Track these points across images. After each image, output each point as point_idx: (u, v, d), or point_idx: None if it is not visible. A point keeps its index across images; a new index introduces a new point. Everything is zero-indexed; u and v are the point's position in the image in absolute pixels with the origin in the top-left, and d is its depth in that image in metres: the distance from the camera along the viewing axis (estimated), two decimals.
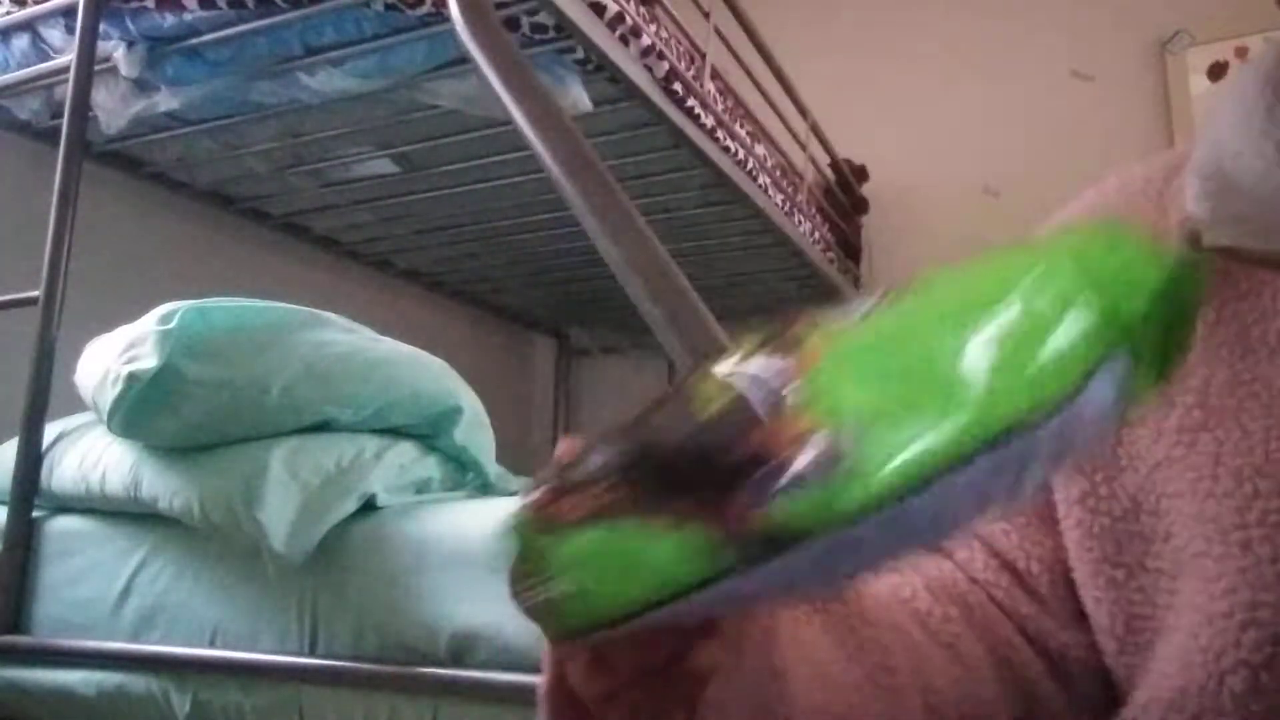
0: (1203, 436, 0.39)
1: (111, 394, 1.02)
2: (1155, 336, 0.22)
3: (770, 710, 0.36)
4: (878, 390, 0.22)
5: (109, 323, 1.13)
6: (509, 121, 0.91)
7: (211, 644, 1.01)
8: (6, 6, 1.40)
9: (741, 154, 1.72)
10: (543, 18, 1.20)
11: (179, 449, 1.06)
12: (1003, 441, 0.21)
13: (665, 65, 1.38)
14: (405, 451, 1.12)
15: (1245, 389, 0.39)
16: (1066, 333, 0.21)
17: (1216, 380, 0.40)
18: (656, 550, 0.23)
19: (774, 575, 0.23)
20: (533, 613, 0.25)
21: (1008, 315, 0.22)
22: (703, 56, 1.56)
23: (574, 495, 0.24)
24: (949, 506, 0.22)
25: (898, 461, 0.21)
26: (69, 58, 1.27)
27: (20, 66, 1.41)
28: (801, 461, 0.22)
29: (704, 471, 0.23)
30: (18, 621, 1.10)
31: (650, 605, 0.24)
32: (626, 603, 0.24)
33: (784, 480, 0.22)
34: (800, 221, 2.10)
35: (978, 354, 0.21)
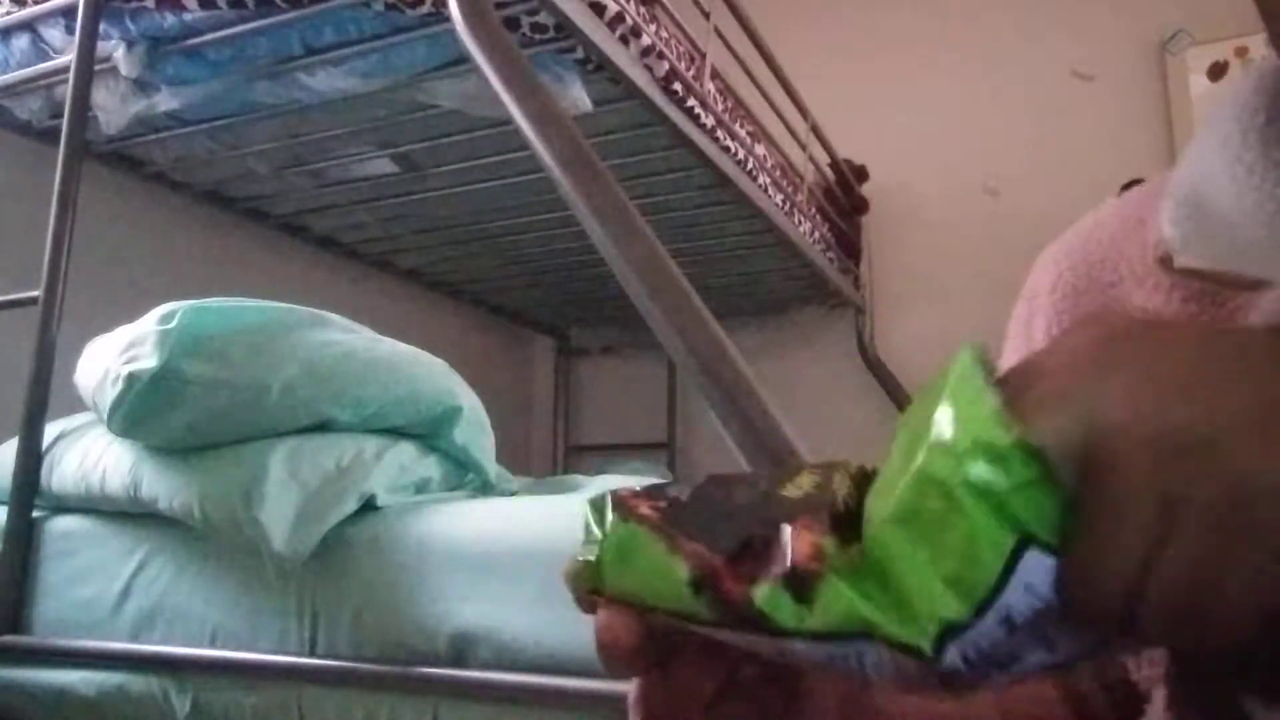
0: None
1: (111, 394, 1.02)
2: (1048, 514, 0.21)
3: (864, 701, 0.35)
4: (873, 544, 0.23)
5: (109, 323, 1.12)
6: (509, 121, 0.91)
7: (211, 644, 1.01)
8: (6, 6, 1.40)
9: (741, 154, 1.72)
10: (543, 18, 1.20)
11: (179, 449, 1.06)
12: (931, 647, 0.22)
13: (665, 65, 1.38)
14: (405, 451, 1.12)
15: None
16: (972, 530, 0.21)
17: None
18: (655, 561, 0.27)
19: (762, 645, 0.26)
20: (569, 568, 0.29)
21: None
22: (703, 56, 1.56)
23: (646, 500, 0.28)
24: (876, 663, 0.24)
25: (824, 608, 0.24)
26: (69, 58, 1.27)
27: (20, 66, 1.41)
28: (791, 567, 0.24)
29: (734, 529, 0.26)
30: (18, 621, 1.10)
31: (641, 602, 0.27)
32: (623, 588, 0.28)
33: (773, 573, 0.25)
34: (800, 221, 2.10)
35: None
